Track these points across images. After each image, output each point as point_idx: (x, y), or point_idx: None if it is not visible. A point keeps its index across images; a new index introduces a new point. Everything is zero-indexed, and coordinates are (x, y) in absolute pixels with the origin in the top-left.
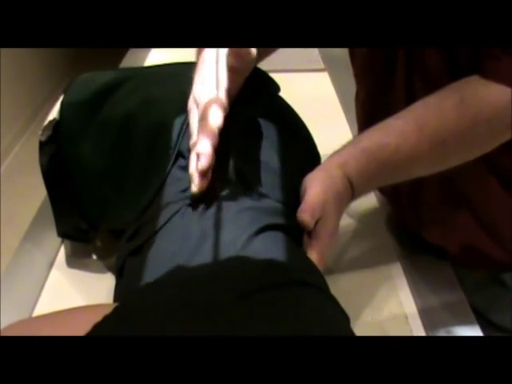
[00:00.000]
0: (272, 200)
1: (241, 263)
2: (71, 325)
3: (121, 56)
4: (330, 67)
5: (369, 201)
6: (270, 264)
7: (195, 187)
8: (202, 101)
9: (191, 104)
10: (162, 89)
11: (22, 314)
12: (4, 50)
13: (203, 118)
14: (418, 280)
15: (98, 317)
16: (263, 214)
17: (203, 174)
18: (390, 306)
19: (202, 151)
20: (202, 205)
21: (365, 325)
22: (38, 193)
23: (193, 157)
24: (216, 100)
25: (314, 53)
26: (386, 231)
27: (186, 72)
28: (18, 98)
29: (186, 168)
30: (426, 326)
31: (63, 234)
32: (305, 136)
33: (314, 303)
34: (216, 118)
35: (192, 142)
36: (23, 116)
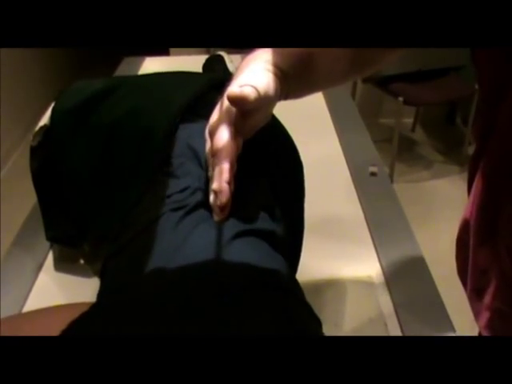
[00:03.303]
0: (251, 205)
1: (218, 265)
2: (50, 322)
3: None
4: None
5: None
6: (245, 267)
7: (217, 218)
8: (215, 135)
9: (207, 134)
10: (149, 97)
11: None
12: (4, 58)
13: (216, 155)
14: (398, 288)
15: (76, 314)
16: (241, 219)
17: (223, 209)
18: (369, 313)
19: (218, 189)
20: (183, 210)
21: (343, 332)
22: (33, 199)
23: (211, 192)
24: (229, 137)
25: None
26: (367, 237)
27: (171, 81)
28: (17, 105)
29: (170, 174)
30: (404, 332)
31: (52, 239)
32: (287, 144)
33: (282, 306)
34: (228, 156)
35: (209, 174)
36: (22, 123)
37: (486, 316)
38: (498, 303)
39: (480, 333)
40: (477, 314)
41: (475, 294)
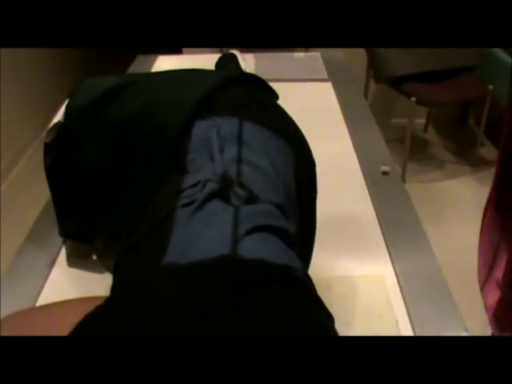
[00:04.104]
0: (263, 201)
1: (231, 261)
2: (65, 315)
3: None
4: (333, 77)
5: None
6: (259, 262)
7: None
8: None
9: None
10: (162, 94)
11: None
12: (18, 56)
13: None
14: (410, 287)
15: (90, 308)
16: (253, 215)
17: None
18: (380, 312)
19: None
20: (194, 205)
21: (354, 330)
22: (47, 195)
23: None
24: None
25: (318, 63)
26: (379, 236)
27: (185, 78)
28: (32, 102)
29: (183, 169)
30: (415, 330)
31: (65, 234)
32: (300, 143)
33: (297, 301)
34: None
35: None
36: (36, 120)
37: (494, 297)
38: (505, 285)
39: (493, 333)
40: (485, 296)
41: (485, 270)
